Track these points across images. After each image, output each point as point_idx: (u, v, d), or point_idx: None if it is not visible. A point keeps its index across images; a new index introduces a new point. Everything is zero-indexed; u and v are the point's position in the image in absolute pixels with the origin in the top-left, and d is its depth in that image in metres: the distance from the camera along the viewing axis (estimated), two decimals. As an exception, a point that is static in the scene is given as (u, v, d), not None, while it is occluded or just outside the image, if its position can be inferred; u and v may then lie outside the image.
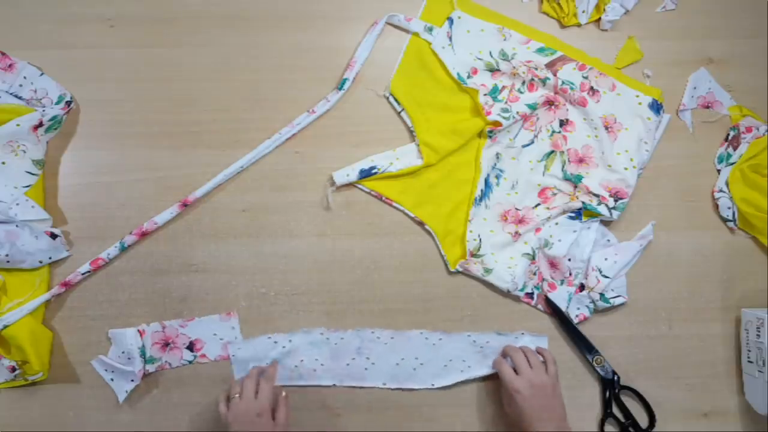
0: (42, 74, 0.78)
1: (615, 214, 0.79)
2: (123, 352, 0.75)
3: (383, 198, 0.80)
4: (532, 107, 0.80)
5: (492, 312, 0.79)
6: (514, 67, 0.81)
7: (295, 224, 0.79)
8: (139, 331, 0.76)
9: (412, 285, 0.79)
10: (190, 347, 0.77)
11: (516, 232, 0.80)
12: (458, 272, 0.79)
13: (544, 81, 0.80)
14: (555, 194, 0.81)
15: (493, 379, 0.78)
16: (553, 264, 0.80)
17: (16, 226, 0.73)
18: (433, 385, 0.78)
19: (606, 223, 0.81)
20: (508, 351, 0.75)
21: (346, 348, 0.78)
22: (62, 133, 0.78)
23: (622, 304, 0.79)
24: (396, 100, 0.81)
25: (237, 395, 0.69)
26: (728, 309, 0.81)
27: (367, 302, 0.79)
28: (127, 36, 0.81)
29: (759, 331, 0.76)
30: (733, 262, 0.82)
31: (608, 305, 0.78)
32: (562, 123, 0.82)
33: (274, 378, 0.74)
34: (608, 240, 0.81)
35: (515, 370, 0.73)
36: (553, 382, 0.72)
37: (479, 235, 0.79)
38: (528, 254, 0.79)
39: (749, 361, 0.77)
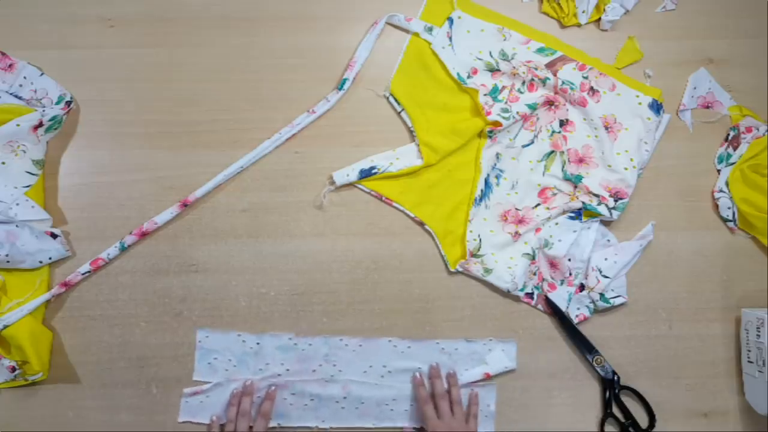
0: (42, 74, 0.78)
1: (615, 214, 0.79)
2: None
3: (383, 198, 0.80)
4: (532, 107, 0.80)
5: (492, 312, 0.79)
6: (514, 67, 0.81)
7: (295, 224, 0.79)
8: None
9: (412, 285, 0.79)
10: None
11: (516, 232, 0.80)
12: (458, 272, 0.79)
13: (544, 81, 0.80)
14: (555, 194, 0.81)
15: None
16: (553, 264, 0.79)
17: (16, 226, 0.73)
18: (399, 393, 0.77)
19: (606, 223, 0.81)
20: (436, 394, 0.75)
21: (313, 354, 0.77)
22: (62, 133, 0.78)
23: (622, 304, 0.79)
24: (396, 100, 0.81)
25: None
26: (728, 309, 0.81)
27: (367, 302, 0.79)
28: (127, 36, 0.81)
29: (759, 331, 0.76)
30: (733, 262, 0.82)
31: (608, 305, 0.78)
32: (562, 123, 0.82)
33: (269, 415, 0.74)
34: (608, 240, 0.81)
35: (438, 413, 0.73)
36: None
37: (479, 235, 0.79)
38: (528, 254, 0.79)
39: (749, 361, 0.77)
